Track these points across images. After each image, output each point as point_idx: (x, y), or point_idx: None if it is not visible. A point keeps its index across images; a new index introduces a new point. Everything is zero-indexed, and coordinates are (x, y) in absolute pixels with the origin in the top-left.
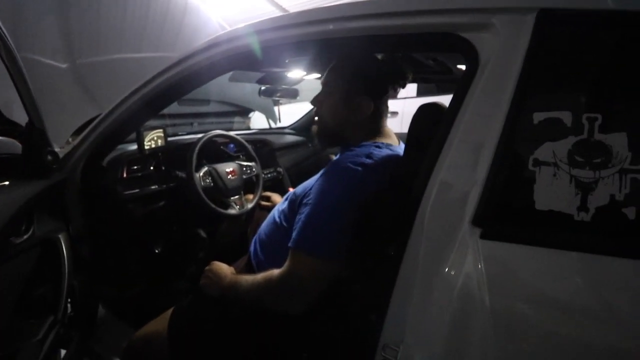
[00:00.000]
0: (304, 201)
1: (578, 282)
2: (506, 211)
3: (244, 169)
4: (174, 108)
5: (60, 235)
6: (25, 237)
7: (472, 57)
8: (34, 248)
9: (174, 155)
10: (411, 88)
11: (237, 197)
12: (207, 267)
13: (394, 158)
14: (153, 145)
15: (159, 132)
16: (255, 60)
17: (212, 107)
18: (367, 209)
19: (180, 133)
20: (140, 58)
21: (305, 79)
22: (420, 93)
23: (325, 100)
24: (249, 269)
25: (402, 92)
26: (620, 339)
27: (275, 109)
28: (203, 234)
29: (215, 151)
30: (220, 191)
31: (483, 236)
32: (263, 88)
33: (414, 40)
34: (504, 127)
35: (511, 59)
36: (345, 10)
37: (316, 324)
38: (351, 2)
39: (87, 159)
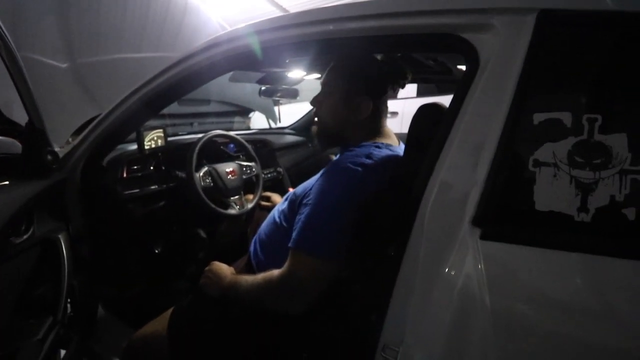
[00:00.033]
0: (304, 201)
1: (578, 282)
2: (506, 212)
3: (244, 169)
4: (174, 108)
5: (60, 235)
6: (25, 237)
7: (472, 57)
8: (34, 248)
9: (174, 155)
10: (411, 88)
11: (237, 197)
12: (207, 267)
13: (393, 158)
14: (153, 145)
15: (159, 132)
16: (255, 60)
17: (212, 107)
18: (367, 209)
19: (180, 133)
20: (140, 58)
21: (306, 79)
22: (420, 93)
23: (324, 101)
24: (249, 269)
25: (402, 93)
26: (621, 340)
27: (275, 109)
28: (203, 234)
29: (215, 151)
30: (220, 191)
31: (483, 237)
32: (263, 88)
33: (414, 41)
34: (504, 128)
35: (511, 60)
36: (346, 11)
37: (316, 324)
38: (351, 3)
39: (87, 159)
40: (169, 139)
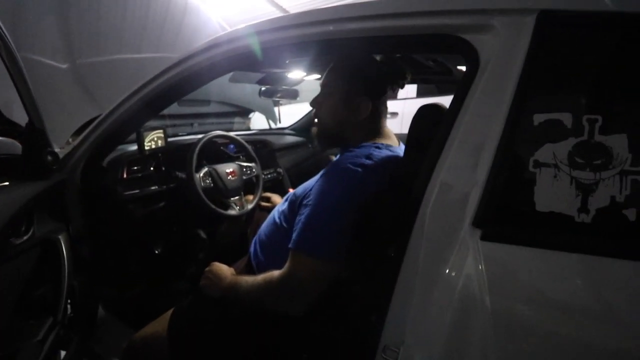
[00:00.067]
0: (304, 202)
1: (578, 283)
2: (507, 212)
3: (244, 169)
4: (174, 109)
5: (60, 236)
6: (25, 237)
7: (472, 58)
8: (34, 248)
9: (174, 156)
10: (411, 89)
11: (237, 197)
12: (207, 268)
13: (394, 159)
14: (153, 146)
15: (159, 133)
16: (255, 61)
17: (212, 108)
18: (367, 210)
19: (180, 134)
20: (140, 58)
21: (306, 79)
22: (420, 94)
23: (324, 102)
24: (249, 270)
25: (402, 93)
26: (621, 340)
27: (275, 109)
28: (203, 234)
29: (215, 152)
30: (220, 192)
31: (483, 237)
32: (263, 89)
33: (414, 42)
34: (505, 129)
35: (511, 61)
36: (346, 12)
37: (316, 325)
38: (351, 4)
39: (87, 160)
40: (169, 139)
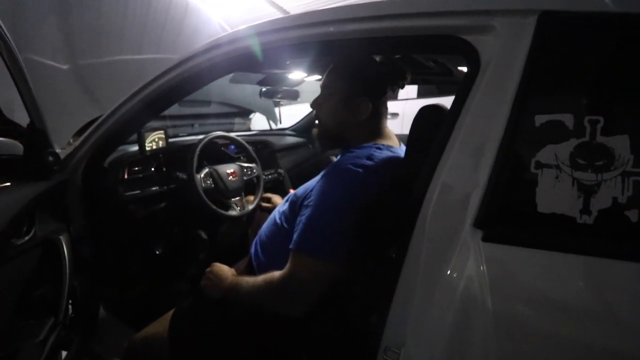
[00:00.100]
0: (305, 203)
1: (580, 285)
2: (508, 214)
3: (245, 170)
4: (174, 109)
5: (61, 236)
6: (27, 238)
7: (473, 59)
8: (35, 249)
9: (175, 157)
10: (412, 89)
11: (237, 198)
12: (207, 269)
13: (395, 160)
14: (154, 147)
15: (160, 134)
16: (256, 61)
17: (212, 109)
18: (368, 210)
19: (181, 134)
20: (141, 59)
21: (306, 80)
22: (420, 94)
23: (324, 103)
24: (250, 271)
25: (402, 94)
26: (623, 342)
27: (276, 110)
28: (204, 235)
29: (216, 152)
30: (221, 192)
31: (485, 239)
32: (264, 89)
33: (415, 43)
34: (506, 130)
35: (512, 61)
36: (346, 13)
37: (317, 326)
38: (352, 5)
39: (89, 160)
40: (170, 140)
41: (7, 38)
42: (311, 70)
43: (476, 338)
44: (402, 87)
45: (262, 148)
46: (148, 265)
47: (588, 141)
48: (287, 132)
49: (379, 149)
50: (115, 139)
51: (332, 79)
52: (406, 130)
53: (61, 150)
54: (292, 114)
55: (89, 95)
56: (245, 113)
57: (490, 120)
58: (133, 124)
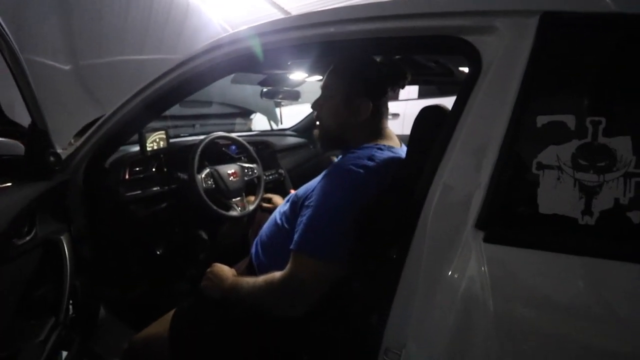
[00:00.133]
0: (306, 203)
1: (582, 286)
2: (510, 214)
3: (246, 170)
4: (176, 110)
5: (62, 236)
6: (28, 238)
7: (475, 59)
8: (36, 249)
9: (176, 157)
10: (412, 90)
11: (238, 198)
12: (208, 269)
13: (396, 160)
14: (155, 147)
15: (161, 134)
16: (257, 62)
17: (213, 109)
18: (369, 211)
19: (182, 135)
20: (142, 60)
21: (307, 81)
22: (421, 95)
23: (325, 104)
24: (250, 271)
25: (403, 94)
26: (624, 344)
27: (277, 110)
28: (204, 235)
29: (217, 153)
30: (221, 193)
31: (486, 239)
32: (265, 90)
33: (417, 43)
34: (508, 130)
35: (514, 62)
36: (348, 13)
37: (317, 327)
38: (353, 5)
39: (90, 161)
40: (171, 140)
41: (9, 38)
42: (312, 71)
43: (477, 339)
44: (403, 87)
45: (263, 148)
46: (149, 265)
47: (590, 142)
48: (288, 132)
49: (380, 149)
50: (117, 140)
51: (332, 79)
52: (407, 131)
53: (62, 151)
54: (293, 114)
55: (90, 95)
56: (246, 113)
57: (492, 121)
58: (134, 124)
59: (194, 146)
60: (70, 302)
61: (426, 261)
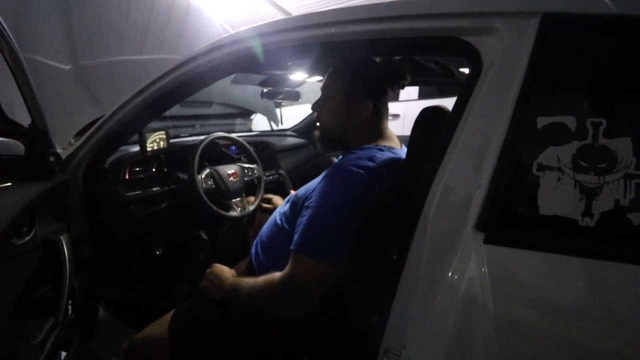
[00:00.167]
0: (306, 204)
1: (582, 287)
2: (510, 216)
3: (246, 171)
4: (176, 110)
5: (61, 237)
6: (27, 238)
7: (475, 60)
8: (36, 249)
9: (176, 157)
10: (413, 91)
11: (238, 199)
12: (208, 270)
13: (396, 161)
14: (155, 147)
15: (161, 134)
16: (257, 63)
17: (214, 109)
18: (370, 212)
19: (182, 135)
20: (143, 60)
21: (307, 81)
22: (422, 96)
23: (325, 105)
24: (250, 272)
25: (403, 95)
26: (624, 345)
27: (277, 111)
28: (204, 236)
29: (217, 153)
30: (221, 193)
31: (486, 241)
32: (265, 90)
33: (417, 44)
34: (508, 131)
35: (515, 63)
36: (348, 14)
37: (317, 327)
38: (354, 6)
39: (90, 161)
40: (171, 140)
41: (9, 38)
42: (312, 72)
43: (477, 340)
44: (403, 88)
45: (263, 149)
46: (148, 265)
47: (590, 143)
48: (288, 133)
49: (381, 150)
50: (117, 140)
51: (332, 80)
52: (407, 132)
53: (62, 151)
54: (293, 115)
55: (91, 95)
56: (246, 114)
57: (492, 122)
58: (134, 124)
59: (194, 146)
60: (70, 302)
61: (426, 262)
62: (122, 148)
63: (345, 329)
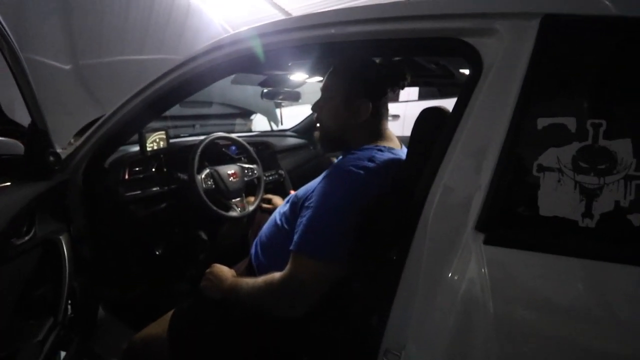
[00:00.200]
0: (306, 204)
1: (582, 288)
2: (510, 217)
3: (246, 171)
4: (176, 110)
5: (61, 236)
6: (27, 238)
7: (475, 62)
8: (35, 249)
9: (176, 157)
10: (413, 91)
11: (238, 199)
12: (207, 270)
13: (396, 161)
14: (155, 147)
15: (161, 134)
16: (257, 63)
17: (214, 109)
18: (370, 212)
19: (182, 135)
20: (143, 60)
21: (308, 81)
22: (422, 96)
23: (325, 105)
24: (250, 272)
25: (403, 96)
26: (625, 346)
27: (277, 111)
28: (204, 236)
29: (217, 153)
30: (221, 193)
31: (486, 241)
32: (265, 91)
33: (417, 45)
34: (508, 132)
35: (515, 64)
36: (348, 15)
37: (317, 327)
38: (354, 7)
39: (89, 161)
40: (171, 141)
41: (9, 37)
42: (313, 72)
43: (477, 341)
44: (403, 88)
45: (263, 149)
46: (148, 265)
47: (590, 144)
48: (288, 133)
49: (380, 150)
50: (116, 140)
51: (332, 81)
52: (407, 132)
53: (62, 151)
54: (294, 115)
55: (91, 95)
56: (246, 114)
57: (493, 123)
58: (134, 124)
59: (194, 146)
60: (69, 302)
61: (426, 262)
62: (122, 148)
63: (345, 329)
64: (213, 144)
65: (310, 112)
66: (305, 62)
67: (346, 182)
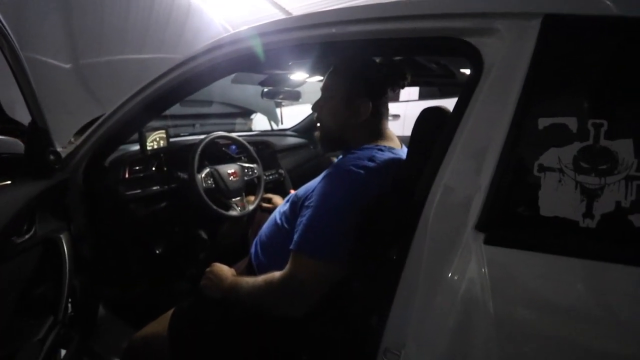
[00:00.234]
0: (306, 203)
1: (582, 288)
2: (510, 217)
3: (246, 170)
4: (176, 109)
5: (61, 235)
6: (27, 236)
7: (476, 61)
8: (36, 247)
9: (176, 156)
10: (413, 91)
11: (238, 198)
12: (207, 269)
13: (396, 161)
14: (155, 146)
15: (161, 133)
16: (258, 62)
17: (214, 109)
18: (370, 212)
19: (182, 134)
20: (143, 59)
21: (308, 81)
22: (422, 96)
23: (325, 105)
24: (250, 271)
25: (404, 95)
26: (624, 347)
27: (277, 110)
28: (204, 235)
29: (217, 152)
30: (221, 192)
31: (487, 241)
32: (265, 90)
33: (418, 45)
34: (509, 132)
35: (516, 64)
36: (349, 14)
37: (317, 327)
38: (355, 6)
39: (90, 159)
40: (171, 140)
41: (10, 36)
42: (313, 71)
43: (477, 341)
44: (403, 87)
45: (263, 148)
46: (148, 264)
47: (591, 145)
48: (289, 132)
49: (381, 150)
50: (117, 138)
51: (333, 80)
52: (407, 132)
53: (62, 149)
54: (294, 114)
55: (91, 94)
56: (246, 113)
57: (493, 123)
58: (134, 123)
59: (194, 146)
60: (70, 300)
61: (426, 262)
62: (122, 147)
63: (345, 329)
64: (213, 143)
65: (310, 111)
66: (305, 62)
67: (346, 181)
